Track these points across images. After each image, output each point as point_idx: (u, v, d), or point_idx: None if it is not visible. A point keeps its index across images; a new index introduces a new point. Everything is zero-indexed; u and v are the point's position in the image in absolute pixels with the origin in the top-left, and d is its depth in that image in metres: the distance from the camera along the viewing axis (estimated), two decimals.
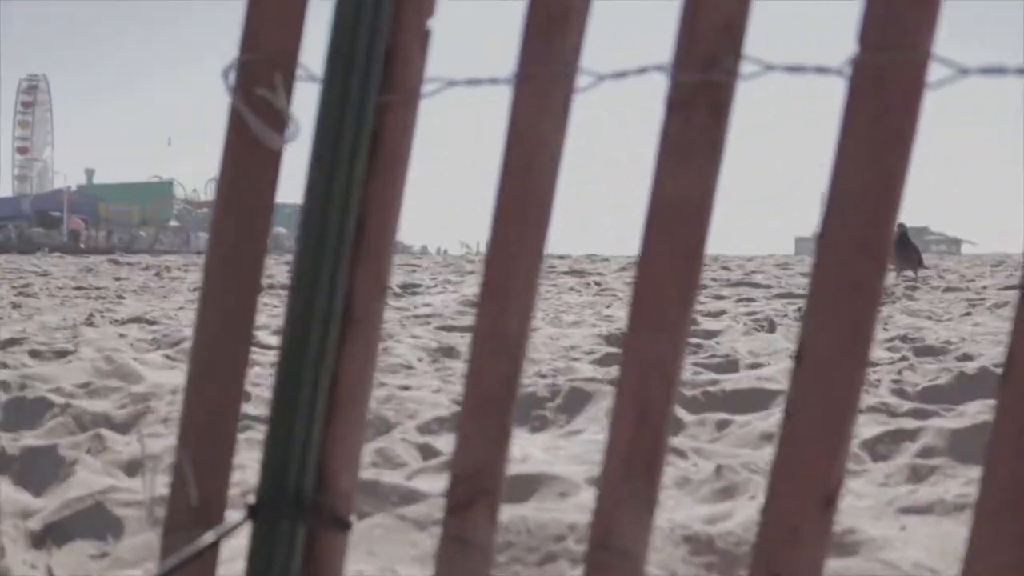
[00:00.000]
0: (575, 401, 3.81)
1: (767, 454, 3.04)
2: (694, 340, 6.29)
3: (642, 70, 1.60)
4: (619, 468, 1.61)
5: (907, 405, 3.63)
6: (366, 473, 3.03)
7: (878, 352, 5.65)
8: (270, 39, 1.80)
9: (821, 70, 1.49)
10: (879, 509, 2.38)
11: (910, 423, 3.14)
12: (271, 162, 1.81)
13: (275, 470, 1.82)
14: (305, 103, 1.79)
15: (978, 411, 3.50)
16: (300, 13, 1.81)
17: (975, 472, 2.77)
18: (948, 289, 12.70)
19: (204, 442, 1.87)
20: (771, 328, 7.04)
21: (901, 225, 15.59)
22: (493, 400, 1.70)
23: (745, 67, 1.54)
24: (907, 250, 15.10)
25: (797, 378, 1.49)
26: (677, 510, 2.53)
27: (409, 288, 14.26)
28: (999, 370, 4.04)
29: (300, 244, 1.80)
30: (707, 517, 2.40)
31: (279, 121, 1.80)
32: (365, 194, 1.75)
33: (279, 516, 1.81)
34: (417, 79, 1.74)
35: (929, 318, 8.39)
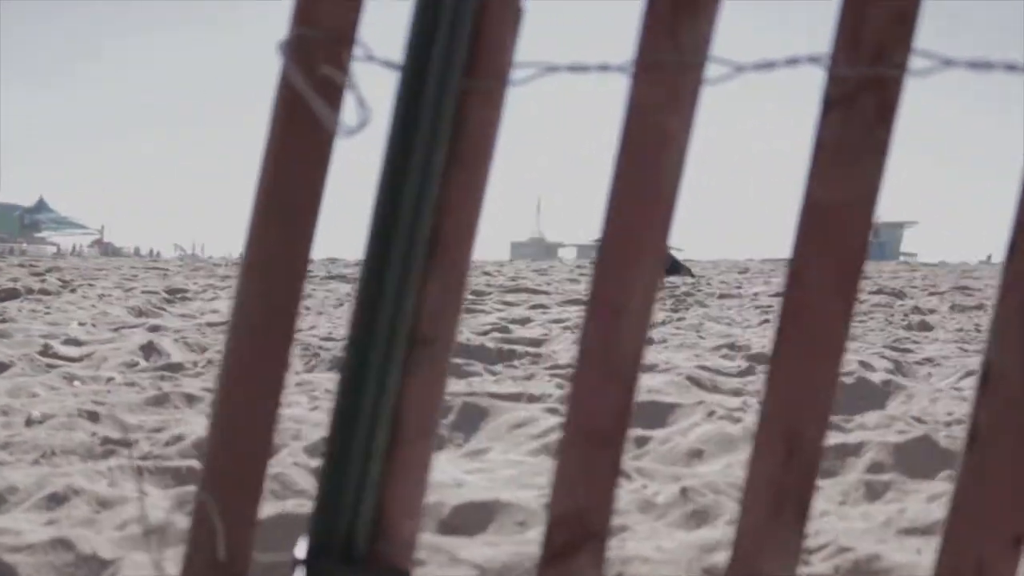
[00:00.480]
0: (470, 418, 3.60)
1: (711, 471, 2.93)
2: (521, 348, 6.16)
3: (792, 61, 1.43)
4: (764, 509, 1.43)
5: None
6: (287, 504, 2.75)
7: (715, 360, 5.68)
8: (325, 10, 1.53)
9: (1011, 68, 1.36)
10: (878, 531, 2.30)
11: (843, 437, 3.10)
12: (323, 153, 1.55)
13: (326, 513, 1.56)
14: (369, 88, 1.54)
15: (879, 423, 3.51)
16: None
17: (932, 487, 2.74)
18: (722, 296, 13.09)
19: (230, 485, 1.58)
20: None
21: None
22: (602, 431, 1.50)
23: (916, 61, 1.40)
24: None
25: (983, 404, 1.36)
26: (658, 538, 2.38)
27: (178, 293, 13.56)
28: (874, 379, 4.07)
29: (365, 251, 1.54)
30: (702, 545, 2.26)
31: (335, 106, 1.53)
32: (442, 192, 1.51)
33: (327, 568, 1.55)
34: (506, 63, 1.52)
35: (730, 324, 8.57)
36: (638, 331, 1.49)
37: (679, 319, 8.83)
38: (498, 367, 5.49)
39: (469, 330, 7.75)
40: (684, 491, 2.58)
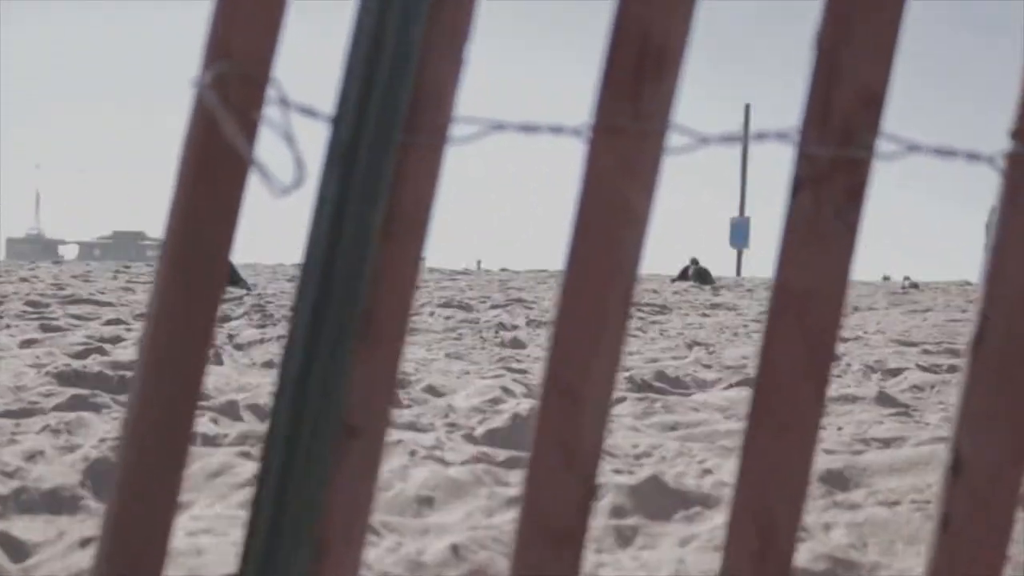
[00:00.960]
0: None
1: (455, 521, 2.82)
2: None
3: (761, 136, 1.38)
4: None
5: (503, 454, 3.56)
6: None
7: None
8: (240, 45, 1.30)
9: (972, 157, 1.39)
10: None
11: None
12: (233, 204, 1.32)
13: None
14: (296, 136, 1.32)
15: None
16: (276, 15, 1.33)
17: (675, 529, 2.79)
18: None
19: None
20: (218, 360, 6.61)
21: None
22: (563, 529, 1.37)
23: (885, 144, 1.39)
24: None
25: (955, 492, 1.37)
26: None
27: None
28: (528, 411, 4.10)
29: (290, 330, 1.32)
30: None
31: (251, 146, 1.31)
32: (378, 259, 1.33)
33: None
34: (447, 118, 1.36)
35: None
36: (599, 417, 1.38)
37: (270, 337, 8.48)
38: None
39: (61, 350, 7.10)
40: (455, 548, 2.47)
